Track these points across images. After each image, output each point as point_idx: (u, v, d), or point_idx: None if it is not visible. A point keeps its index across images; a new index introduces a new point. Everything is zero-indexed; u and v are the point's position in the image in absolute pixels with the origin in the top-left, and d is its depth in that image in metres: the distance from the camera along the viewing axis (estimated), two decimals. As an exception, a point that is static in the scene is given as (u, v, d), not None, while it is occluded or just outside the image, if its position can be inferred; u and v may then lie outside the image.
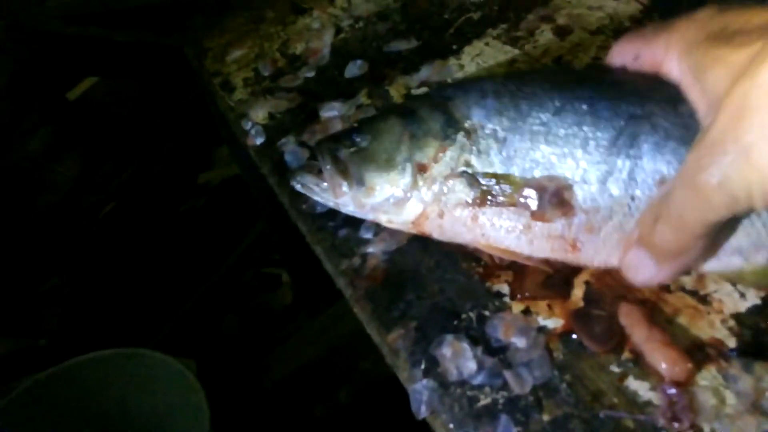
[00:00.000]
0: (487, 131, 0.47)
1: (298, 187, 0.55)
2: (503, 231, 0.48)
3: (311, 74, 0.75)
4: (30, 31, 1.28)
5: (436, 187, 0.49)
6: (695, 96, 0.41)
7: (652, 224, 0.41)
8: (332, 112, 0.68)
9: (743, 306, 0.44)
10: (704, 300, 0.44)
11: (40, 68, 1.42)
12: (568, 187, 0.45)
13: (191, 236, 1.75)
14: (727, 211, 0.35)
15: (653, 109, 0.44)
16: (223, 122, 0.82)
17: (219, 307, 1.64)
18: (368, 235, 0.56)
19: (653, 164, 0.44)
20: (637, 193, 0.44)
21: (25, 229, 1.70)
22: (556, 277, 0.48)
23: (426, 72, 0.69)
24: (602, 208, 0.45)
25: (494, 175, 0.47)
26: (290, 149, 0.66)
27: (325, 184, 0.52)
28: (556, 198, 0.45)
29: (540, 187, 0.46)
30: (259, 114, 0.71)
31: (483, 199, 0.47)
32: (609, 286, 0.47)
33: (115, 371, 1.14)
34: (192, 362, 1.39)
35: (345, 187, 0.51)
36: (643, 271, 0.43)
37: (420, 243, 0.53)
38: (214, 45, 0.85)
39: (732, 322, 0.43)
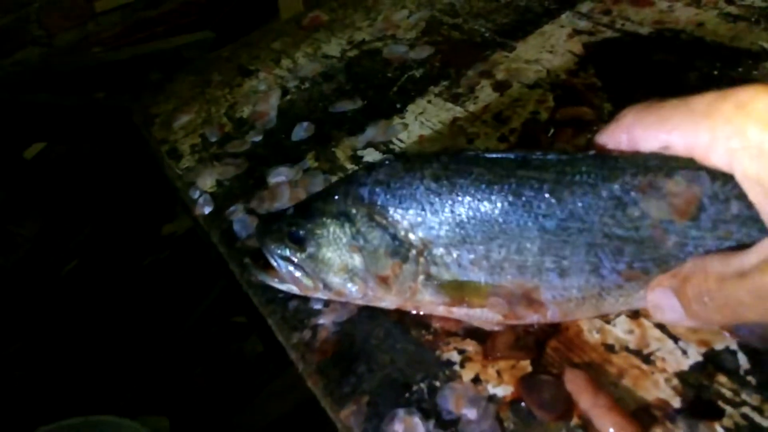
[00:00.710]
0: (437, 245, 0.47)
1: (259, 279, 0.55)
2: (480, 321, 0.49)
3: (258, 138, 0.75)
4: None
5: (403, 294, 0.49)
6: (762, 203, 0.37)
7: (696, 295, 0.39)
8: (280, 178, 0.68)
9: (686, 363, 0.44)
10: (648, 359, 0.45)
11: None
12: (535, 288, 0.45)
13: (158, 289, 1.72)
14: None
15: (603, 217, 0.43)
16: (172, 188, 0.81)
17: (190, 360, 1.61)
18: (318, 306, 0.55)
19: (614, 264, 0.43)
20: (605, 285, 0.44)
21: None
22: (528, 338, 0.48)
23: (371, 132, 0.70)
24: (573, 299, 0.45)
25: (458, 284, 0.47)
26: (238, 218, 0.66)
27: (291, 285, 0.53)
28: (525, 300, 0.45)
29: (507, 293, 0.46)
30: (207, 182, 0.71)
31: (452, 303, 0.47)
32: (556, 349, 0.47)
33: (82, 441, 1.10)
34: (165, 419, 1.36)
35: (313, 289, 0.52)
36: (671, 315, 0.42)
37: (370, 312, 0.53)
38: (161, 111, 0.84)
39: (675, 381, 0.43)
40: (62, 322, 1.66)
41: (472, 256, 0.46)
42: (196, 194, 0.70)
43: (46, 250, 1.79)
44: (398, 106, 0.72)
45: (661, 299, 0.42)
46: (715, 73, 0.64)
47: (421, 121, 0.69)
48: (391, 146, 0.68)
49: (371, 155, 0.68)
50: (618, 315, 0.48)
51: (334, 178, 0.66)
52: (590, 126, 0.62)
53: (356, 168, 0.66)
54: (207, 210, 0.68)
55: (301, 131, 0.73)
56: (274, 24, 1.06)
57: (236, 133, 0.77)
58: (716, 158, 0.38)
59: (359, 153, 0.68)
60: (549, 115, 0.65)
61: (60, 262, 1.78)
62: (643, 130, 0.42)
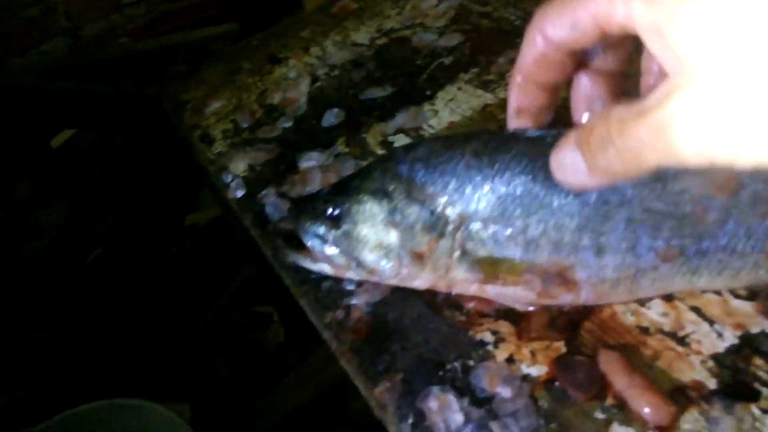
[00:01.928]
0: (475, 221, 0.47)
1: (291, 259, 0.56)
2: (513, 299, 0.49)
3: (289, 124, 0.76)
4: (10, 87, 1.28)
5: (438, 272, 0.49)
6: (658, 49, 0.35)
7: (598, 143, 0.37)
8: (311, 162, 0.69)
9: (721, 346, 0.44)
10: (683, 341, 0.45)
11: (22, 121, 1.43)
12: (570, 267, 0.45)
13: (180, 278, 1.74)
14: (699, 167, 0.32)
15: (643, 192, 0.43)
16: (204, 172, 0.82)
17: (211, 349, 1.63)
18: (351, 287, 0.56)
19: (652, 241, 0.43)
20: (641, 265, 0.44)
21: (12, 279, 1.69)
22: (562, 318, 0.49)
23: (401, 119, 0.70)
24: (608, 280, 0.45)
25: (493, 260, 0.47)
26: (271, 201, 0.66)
27: (323, 265, 0.53)
28: (560, 278, 0.46)
29: (541, 271, 0.46)
30: (239, 166, 0.72)
31: (486, 280, 0.48)
32: (590, 331, 0.47)
33: (109, 423, 1.13)
34: (186, 406, 1.38)
35: (345, 268, 0.52)
36: (575, 176, 0.39)
37: (402, 292, 0.54)
38: (192, 97, 0.86)
39: (711, 363, 0.43)
40: (87, 309, 1.69)
41: (509, 231, 0.46)
42: (228, 179, 0.71)
43: (71, 237, 1.82)
44: (428, 93, 0.73)
45: (564, 156, 0.39)
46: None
47: (451, 107, 0.70)
48: (422, 132, 0.68)
49: (402, 141, 0.68)
50: (652, 298, 0.48)
51: (365, 164, 0.66)
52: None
53: (388, 153, 0.67)
54: (239, 194, 0.69)
55: (331, 117, 0.74)
56: (303, 13, 1.07)
57: (267, 119, 0.78)
58: (618, 18, 0.36)
59: (390, 139, 0.69)
60: (581, 102, 0.65)
61: (85, 249, 1.81)
62: (551, 21, 0.40)
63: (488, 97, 0.69)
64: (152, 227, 1.85)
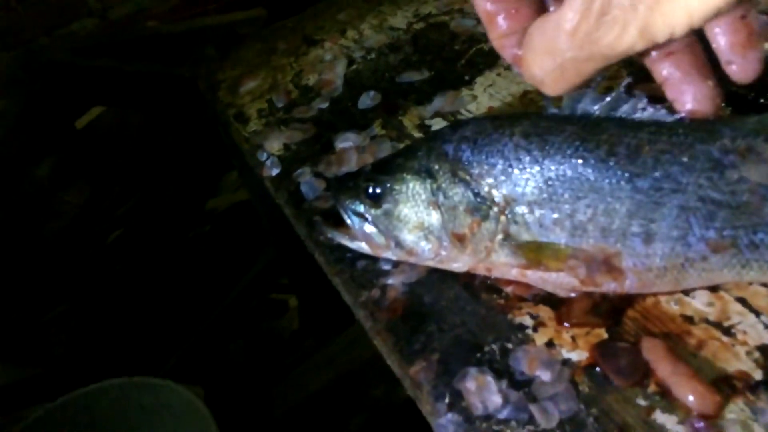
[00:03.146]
0: (520, 203, 0.46)
1: (329, 236, 0.56)
2: (554, 285, 0.48)
3: (325, 105, 0.76)
4: (41, 62, 1.29)
5: (478, 255, 0.48)
6: None
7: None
8: (347, 143, 0.69)
9: (768, 337, 0.43)
10: (728, 332, 0.44)
11: (51, 97, 1.44)
12: (617, 254, 0.44)
13: (199, 263, 1.75)
14: (645, 47, 0.35)
15: (699, 179, 0.42)
16: (236, 152, 0.82)
17: (227, 334, 1.64)
18: (387, 267, 0.56)
19: (704, 231, 0.42)
20: (690, 255, 0.43)
21: (32, 256, 1.71)
22: (605, 305, 0.48)
23: (439, 102, 0.70)
24: (654, 268, 0.44)
25: (537, 245, 0.46)
26: (306, 180, 0.66)
27: (361, 243, 0.53)
28: (605, 265, 0.45)
29: (586, 257, 0.45)
30: (274, 145, 0.72)
31: (528, 266, 0.47)
32: (632, 318, 0.47)
33: (126, 400, 1.14)
34: (200, 390, 1.39)
35: (384, 248, 0.52)
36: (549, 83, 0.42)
37: (439, 274, 0.53)
38: (227, 77, 0.86)
39: (757, 354, 0.43)
40: (106, 289, 1.70)
41: (555, 216, 0.45)
42: (263, 157, 0.71)
43: (92, 217, 1.83)
44: (466, 78, 0.72)
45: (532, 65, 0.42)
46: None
47: (491, 93, 0.69)
48: (460, 116, 0.68)
49: (439, 125, 0.68)
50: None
51: (401, 146, 0.66)
52: (664, 102, 0.61)
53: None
54: (274, 172, 0.69)
55: (367, 99, 0.74)
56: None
57: (302, 99, 0.78)
58: None
59: (427, 122, 0.69)
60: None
61: (106, 230, 1.82)
62: None
63: (528, 84, 0.68)
64: (173, 211, 1.85)
